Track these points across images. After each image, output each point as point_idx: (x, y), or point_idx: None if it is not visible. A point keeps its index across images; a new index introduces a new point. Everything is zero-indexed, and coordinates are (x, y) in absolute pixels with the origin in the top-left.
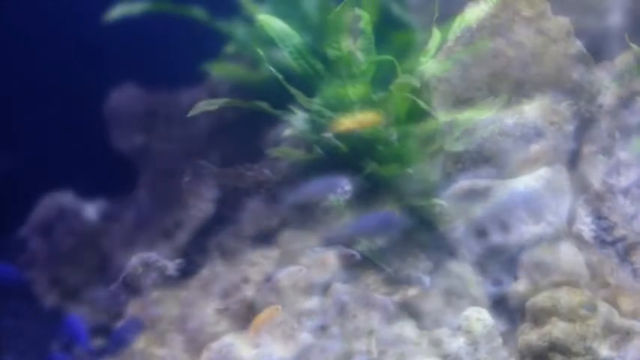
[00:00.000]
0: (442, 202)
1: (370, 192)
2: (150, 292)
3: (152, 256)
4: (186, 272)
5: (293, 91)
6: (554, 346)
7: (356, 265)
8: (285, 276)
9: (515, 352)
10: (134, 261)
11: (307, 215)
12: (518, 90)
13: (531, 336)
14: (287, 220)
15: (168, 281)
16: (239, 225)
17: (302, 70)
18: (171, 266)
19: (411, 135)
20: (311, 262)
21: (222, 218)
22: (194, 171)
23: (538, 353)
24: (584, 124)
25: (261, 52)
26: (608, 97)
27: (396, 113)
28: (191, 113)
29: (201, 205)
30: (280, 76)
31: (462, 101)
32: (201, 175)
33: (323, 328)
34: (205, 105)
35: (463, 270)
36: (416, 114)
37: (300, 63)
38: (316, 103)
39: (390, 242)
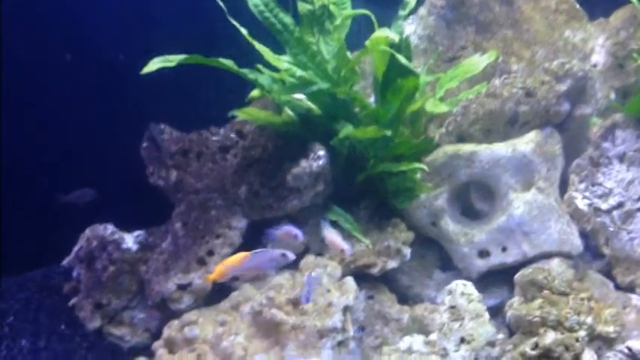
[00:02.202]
0: (424, 167)
1: (345, 157)
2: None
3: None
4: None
5: (260, 47)
6: (546, 321)
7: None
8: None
9: (504, 327)
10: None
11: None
12: (506, 48)
13: (521, 310)
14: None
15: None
16: None
17: (269, 25)
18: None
19: (390, 94)
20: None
21: None
22: (150, 137)
23: (528, 329)
24: (578, 83)
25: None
26: (602, 55)
27: (375, 71)
28: (145, 70)
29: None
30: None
31: (446, 60)
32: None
33: (295, 304)
34: (161, 61)
35: (448, 243)
36: (395, 72)
37: (266, 17)
38: (285, 60)
39: (367, 212)
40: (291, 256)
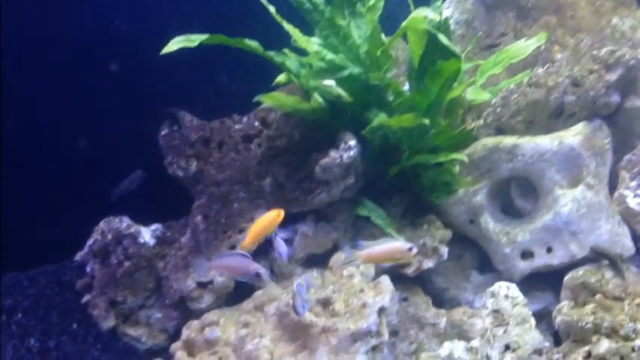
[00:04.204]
0: (464, 158)
1: (378, 148)
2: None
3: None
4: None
5: (289, 28)
6: (599, 328)
7: (364, 236)
8: None
9: (548, 334)
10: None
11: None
12: (550, 35)
13: (572, 316)
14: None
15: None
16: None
17: (297, 4)
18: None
19: (428, 79)
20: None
21: None
22: (170, 124)
23: (580, 336)
24: (629, 73)
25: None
26: None
27: (410, 55)
28: (165, 50)
29: None
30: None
31: (484, 48)
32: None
33: (325, 304)
34: (183, 41)
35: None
36: (434, 54)
37: None
38: (315, 43)
39: (400, 208)
40: (267, 278)
